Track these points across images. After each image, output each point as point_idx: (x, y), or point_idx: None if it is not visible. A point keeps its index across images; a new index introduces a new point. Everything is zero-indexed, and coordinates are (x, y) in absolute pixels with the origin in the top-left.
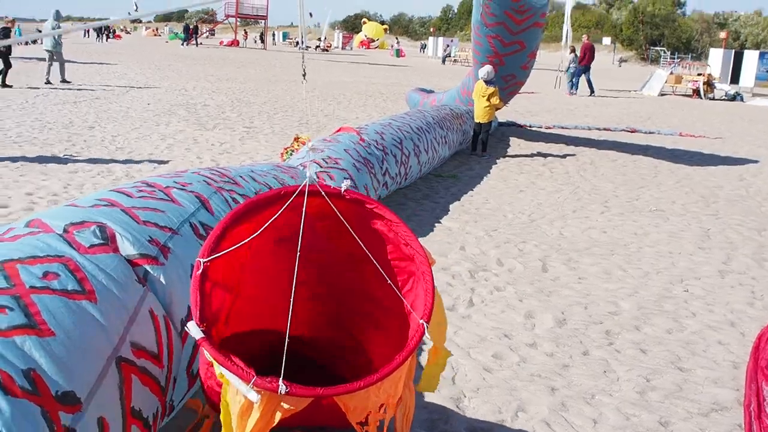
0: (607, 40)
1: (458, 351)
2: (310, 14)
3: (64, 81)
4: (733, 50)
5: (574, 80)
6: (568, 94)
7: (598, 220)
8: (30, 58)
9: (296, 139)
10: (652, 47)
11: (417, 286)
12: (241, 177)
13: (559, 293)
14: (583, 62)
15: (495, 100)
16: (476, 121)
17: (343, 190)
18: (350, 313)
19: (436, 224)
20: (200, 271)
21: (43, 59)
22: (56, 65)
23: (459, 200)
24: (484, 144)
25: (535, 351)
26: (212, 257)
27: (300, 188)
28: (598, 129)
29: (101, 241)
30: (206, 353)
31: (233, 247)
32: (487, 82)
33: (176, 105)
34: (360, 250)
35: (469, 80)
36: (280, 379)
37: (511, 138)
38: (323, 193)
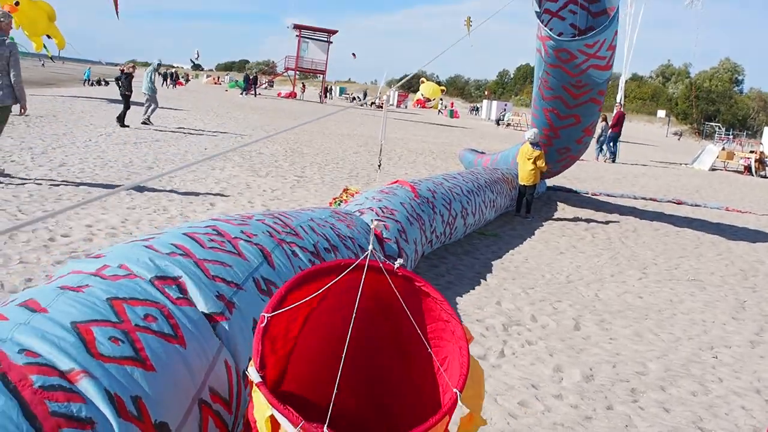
0: (661, 113)
1: (486, 397)
2: (353, 54)
3: (145, 122)
4: None
5: (604, 147)
6: (596, 159)
7: (635, 286)
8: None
9: (345, 190)
10: (707, 122)
11: (453, 361)
12: (301, 227)
13: (588, 351)
14: (615, 129)
15: (540, 163)
16: (521, 183)
17: (396, 267)
18: (383, 385)
19: (474, 279)
20: (263, 324)
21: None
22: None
23: (499, 258)
24: (528, 206)
25: (560, 402)
26: (275, 312)
27: (358, 261)
28: (644, 199)
29: (181, 296)
30: (261, 397)
31: (293, 305)
32: (533, 144)
33: (231, 151)
34: (402, 325)
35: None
36: (325, 426)
37: (556, 203)
38: (383, 269)
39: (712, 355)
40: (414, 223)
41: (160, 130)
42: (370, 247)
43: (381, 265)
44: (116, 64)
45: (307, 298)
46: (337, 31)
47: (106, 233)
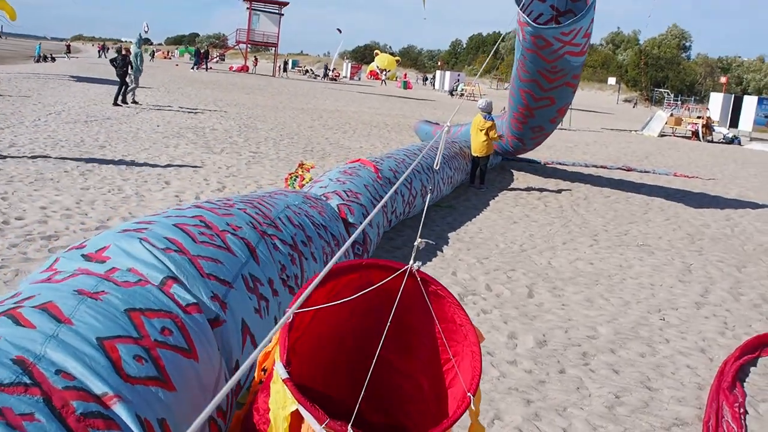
0: (612, 80)
1: None
2: (339, 30)
3: (123, 102)
4: (733, 95)
5: None
6: None
7: (586, 252)
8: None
9: (300, 165)
10: (656, 89)
11: (462, 363)
12: (279, 219)
13: (542, 318)
14: None
15: (492, 134)
16: (474, 154)
17: (416, 269)
18: (386, 385)
19: (430, 250)
20: (290, 320)
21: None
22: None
23: (454, 229)
24: (483, 176)
25: (515, 368)
26: (301, 310)
27: (399, 272)
28: (595, 166)
29: (189, 301)
30: (288, 393)
31: (317, 307)
32: (485, 115)
33: (185, 128)
34: (408, 321)
35: (502, 123)
36: (349, 424)
37: (510, 172)
38: (419, 279)
39: (659, 318)
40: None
41: (112, 107)
42: (411, 261)
43: (417, 276)
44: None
45: (337, 302)
46: (288, 3)
47: (61, 215)
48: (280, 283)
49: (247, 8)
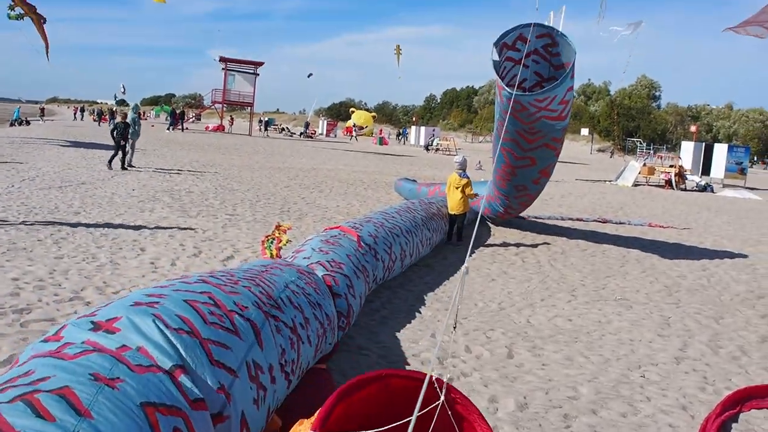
0: (585, 131)
1: None
2: (310, 74)
3: (128, 166)
4: (704, 143)
5: None
6: None
7: (565, 309)
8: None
9: (277, 227)
10: (628, 138)
11: None
12: (281, 299)
13: (522, 379)
14: None
15: (468, 191)
16: (450, 212)
17: (446, 382)
18: None
19: (409, 312)
20: None
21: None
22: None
23: (432, 290)
24: (459, 233)
25: None
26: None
27: (427, 381)
28: (571, 219)
29: (196, 396)
30: None
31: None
32: (460, 173)
33: (160, 191)
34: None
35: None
36: None
37: (485, 227)
38: (441, 395)
39: (639, 374)
40: (360, 276)
41: (87, 172)
42: (442, 398)
43: (438, 389)
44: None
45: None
46: (263, 63)
47: (33, 286)
48: (278, 369)
49: (223, 69)
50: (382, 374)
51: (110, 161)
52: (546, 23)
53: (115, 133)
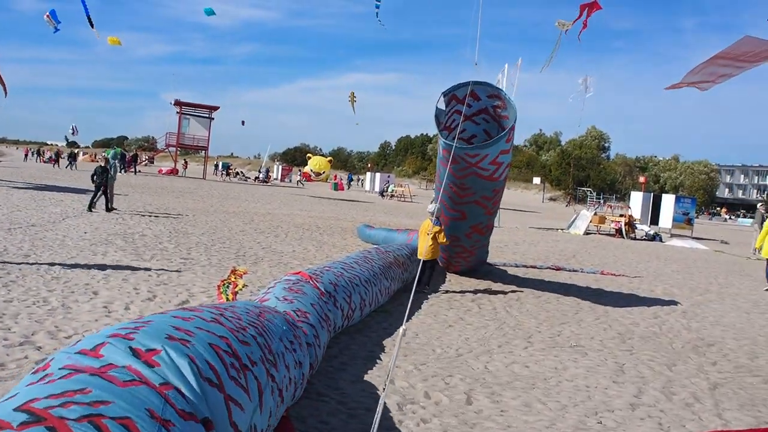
0: (537, 180)
1: None
2: (243, 122)
3: (110, 209)
4: (652, 193)
5: None
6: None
7: (522, 355)
8: None
9: (233, 271)
10: (579, 187)
11: None
12: (278, 356)
13: (481, 425)
14: None
15: (441, 238)
16: (421, 258)
17: None
18: None
19: (367, 358)
20: None
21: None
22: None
23: (390, 335)
24: (429, 279)
25: None
26: None
27: None
28: (525, 266)
29: None
30: None
31: None
32: (434, 220)
33: (113, 234)
34: None
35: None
36: None
37: (441, 273)
38: None
39: (597, 421)
40: (324, 326)
41: (37, 213)
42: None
43: None
44: None
45: None
46: (218, 107)
47: None
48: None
49: (178, 112)
50: None
51: (91, 205)
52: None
53: (94, 177)
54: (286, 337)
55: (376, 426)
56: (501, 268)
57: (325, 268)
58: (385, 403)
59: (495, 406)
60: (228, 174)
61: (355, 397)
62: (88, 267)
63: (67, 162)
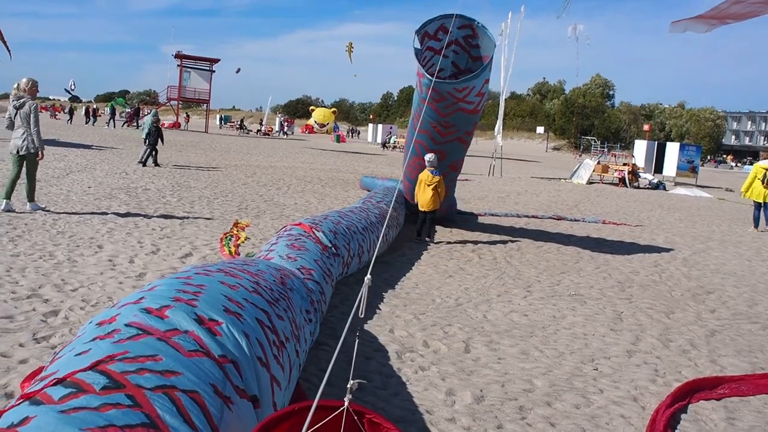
0: (540, 129)
1: None
2: (238, 70)
3: (155, 164)
4: (656, 142)
5: None
6: None
7: (521, 304)
8: None
9: (235, 224)
10: (583, 137)
11: None
12: (302, 328)
13: (479, 372)
14: None
15: (441, 190)
16: (422, 209)
17: (346, 404)
18: None
19: (367, 308)
20: None
21: None
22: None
23: (391, 286)
24: (429, 230)
25: (453, 425)
26: None
27: (337, 411)
28: (527, 216)
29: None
30: None
31: None
32: (432, 170)
33: (117, 189)
34: None
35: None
36: None
37: (444, 224)
38: (354, 415)
39: (593, 368)
40: (328, 281)
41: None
42: (347, 401)
43: (352, 411)
44: None
45: None
46: (219, 60)
47: None
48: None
49: (178, 65)
50: (296, 408)
51: (145, 160)
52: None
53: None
54: (304, 308)
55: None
56: (502, 218)
57: (323, 217)
58: (383, 352)
59: (493, 354)
60: (242, 128)
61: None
62: (93, 221)
63: (89, 119)
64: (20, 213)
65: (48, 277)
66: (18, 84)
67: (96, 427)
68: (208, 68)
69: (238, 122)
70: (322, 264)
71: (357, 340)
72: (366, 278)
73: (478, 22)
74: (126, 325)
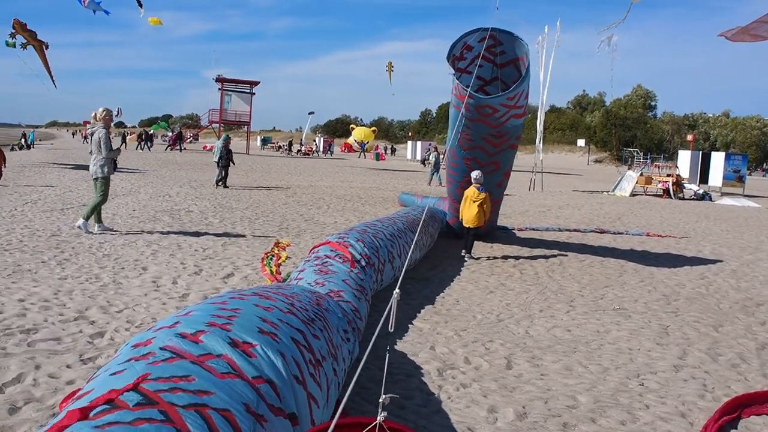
0: (581, 142)
1: None
2: (311, 113)
3: (220, 185)
4: (701, 151)
5: (434, 174)
6: (428, 184)
7: (563, 319)
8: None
9: (276, 244)
10: (625, 148)
11: None
12: (339, 347)
13: (521, 389)
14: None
15: (487, 207)
16: (466, 225)
17: (379, 419)
18: None
19: (408, 325)
20: None
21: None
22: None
23: (431, 302)
24: (470, 247)
25: None
26: None
27: (370, 426)
28: (569, 230)
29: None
30: None
31: None
32: (479, 187)
33: (161, 211)
34: None
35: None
36: None
37: (483, 240)
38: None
39: (638, 383)
40: (361, 298)
41: (88, 194)
42: (379, 417)
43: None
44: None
45: None
46: (259, 82)
47: (39, 306)
48: None
49: (219, 89)
50: (328, 426)
51: (218, 181)
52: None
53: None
54: (341, 328)
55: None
56: (543, 233)
57: (347, 230)
58: (425, 369)
59: (535, 370)
60: (290, 150)
61: (395, 363)
62: (137, 244)
63: (142, 145)
64: (67, 238)
65: (94, 299)
66: (95, 113)
67: None
68: (248, 91)
69: (286, 144)
70: (351, 282)
71: (387, 354)
72: (395, 292)
73: (498, 30)
74: (161, 349)
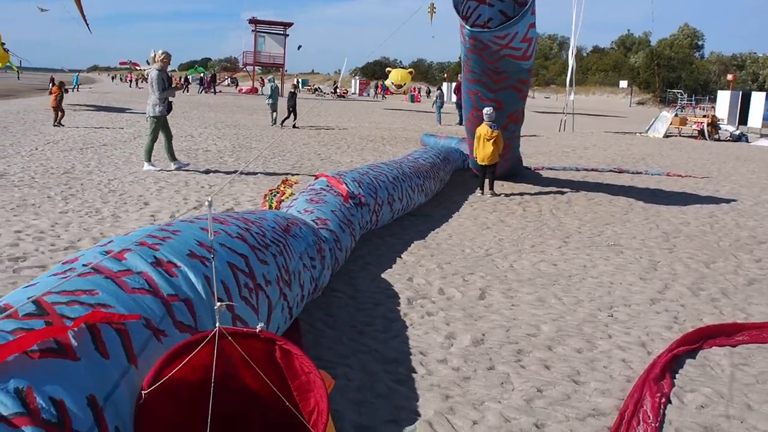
0: (624, 83)
1: (375, 365)
2: (299, 47)
3: (276, 124)
4: (741, 92)
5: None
6: (438, 123)
7: (553, 254)
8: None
9: (284, 181)
10: (669, 90)
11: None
12: (295, 273)
13: (487, 318)
14: (458, 96)
15: (500, 143)
16: (481, 163)
17: (258, 330)
18: None
19: (392, 258)
20: (141, 401)
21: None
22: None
23: (422, 237)
24: (491, 184)
25: (443, 365)
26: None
27: (210, 335)
28: (586, 170)
29: None
30: None
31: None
32: (491, 125)
33: (178, 151)
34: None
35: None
36: None
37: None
38: (231, 340)
39: (608, 315)
40: (346, 230)
41: (111, 134)
42: (218, 324)
43: (228, 335)
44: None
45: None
46: (292, 24)
47: (33, 237)
48: None
49: (252, 31)
50: (175, 350)
51: (283, 121)
52: None
53: (289, 100)
54: (307, 254)
55: None
56: (560, 172)
57: (350, 170)
58: (396, 299)
59: (507, 301)
60: (335, 92)
61: (368, 292)
62: (146, 181)
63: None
64: (79, 175)
65: (89, 231)
66: (154, 54)
67: None
68: (281, 32)
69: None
70: (340, 214)
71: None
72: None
73: None
74: (83, 265)
